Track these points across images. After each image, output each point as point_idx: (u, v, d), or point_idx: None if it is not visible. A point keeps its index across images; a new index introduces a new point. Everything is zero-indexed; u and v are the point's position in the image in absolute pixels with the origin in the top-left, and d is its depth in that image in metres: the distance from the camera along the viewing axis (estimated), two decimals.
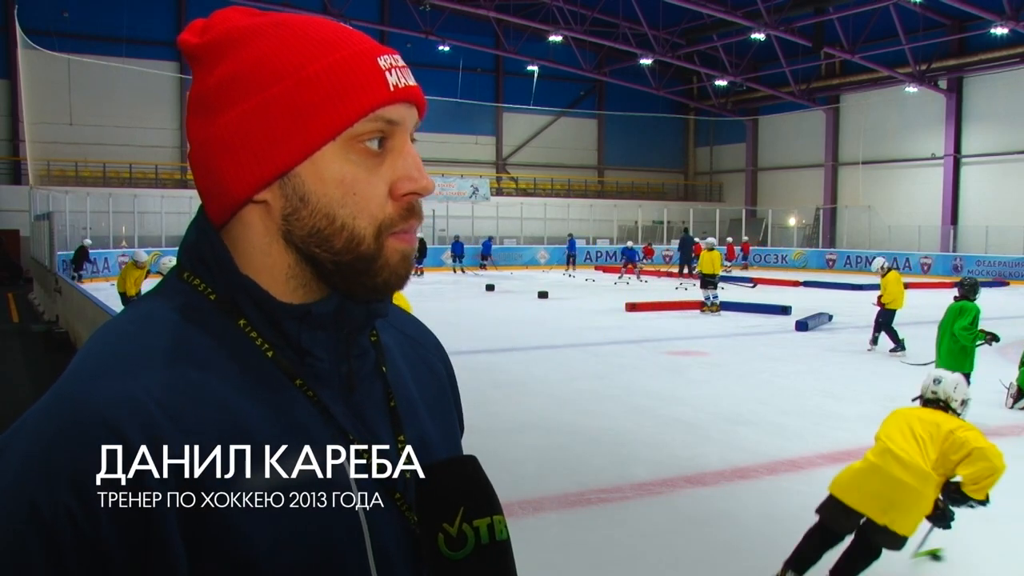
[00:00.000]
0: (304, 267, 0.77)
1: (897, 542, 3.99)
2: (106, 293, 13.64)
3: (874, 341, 11.76)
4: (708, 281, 16.23)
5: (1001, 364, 9.65)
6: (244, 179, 0.75)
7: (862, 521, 4.03)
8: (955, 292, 8.02)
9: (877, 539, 4.00)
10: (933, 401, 4.21)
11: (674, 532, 4.92)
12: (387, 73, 0.76)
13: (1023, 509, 5.41)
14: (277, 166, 0.74)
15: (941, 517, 4.08)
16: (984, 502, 4.07)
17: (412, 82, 0.78)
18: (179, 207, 26.11)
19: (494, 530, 0.78)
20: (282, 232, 0.76)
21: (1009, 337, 10.80)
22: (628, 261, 25.88)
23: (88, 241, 22.82)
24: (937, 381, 4.25)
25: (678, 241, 29.15)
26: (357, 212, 0.75)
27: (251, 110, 0.74)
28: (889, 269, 11.92)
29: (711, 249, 16.60)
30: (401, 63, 0.78)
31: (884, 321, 11.59)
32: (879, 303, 11.68)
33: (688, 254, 26.47)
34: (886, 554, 4.58)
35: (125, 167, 30.61)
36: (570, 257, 30.09)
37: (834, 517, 4.08)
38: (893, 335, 11.54)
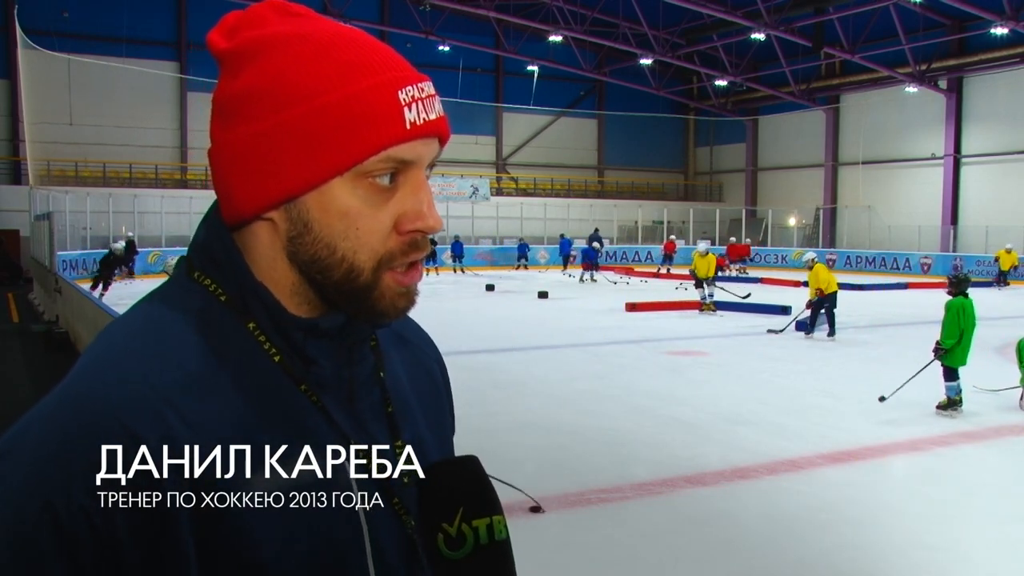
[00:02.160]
0: (307, 287, 0.78)
1: None
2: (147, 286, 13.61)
3: (811, 328, 12.99)
4: (700, 282, 16.56)
5: (1000, 363, 9.66)
6: (251, 196, 0.75)
7: None
8: (959, 288, 7.91)
9: None
10: None
11: (674, 532, 4.92)
12: (406, 109, 0.74)
13: (1023, 510, 5.42)
14: (283, 191, 0.74)
15: None
16: None
17: (435, 115, 0.76)
18: (179, 207, 26.12)
19: (493, 530, 0.79)
20: (287, 252, 0.76)
21: (1009, 337, 10.81)
22: (575, 258, 26.30)
23: (118, 246, 20.92)
24: None
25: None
26: (358, 246, 0.75)
27: (264, 131, 0.73)
28: (816, 262, 13.16)
29: (705, 254, 16.75)
30: (427, 93, 0.76)
31: (829, 307, 12.80)
32: (819, 294, 12.74)
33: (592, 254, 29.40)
34: (884, 549, 4.58)
35: (125, 167, 30.60)
36: (566, 258, 30.27)
37: None
38: (814, 319, 12.89)
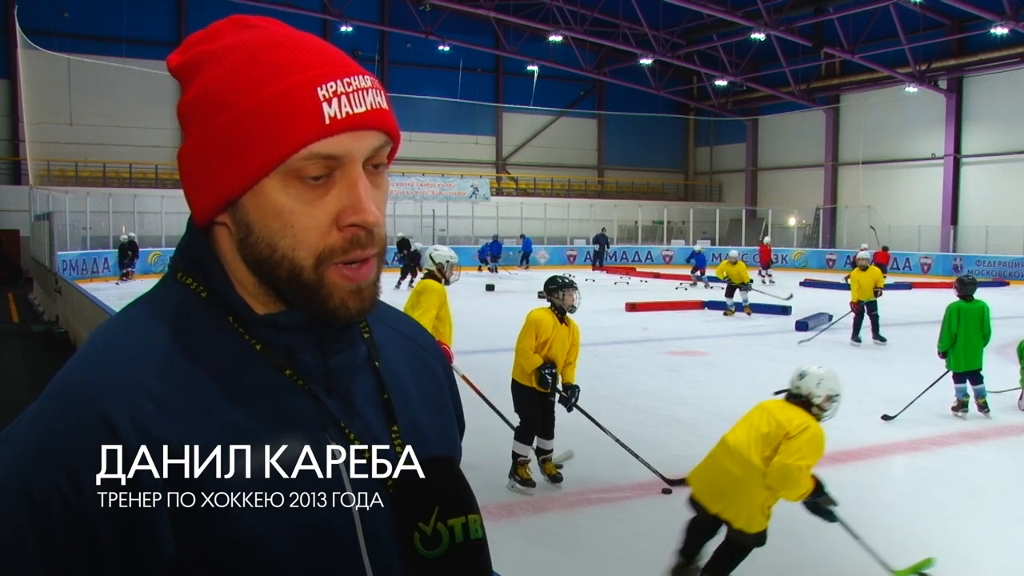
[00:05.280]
0: (265, 287, 0.80)
1: (746, 538, 3.90)
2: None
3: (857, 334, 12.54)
4: (733, 290, 15.93)
5: (1001, 363, 9.66)
6: (199, 203, 0.79)
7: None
8: (959, 291, 7.94)
9: (732, 535, 3.94)
10: (795, 396, 4.09)
11: (674, 532, 4.91)
12: (325, 104, 0.74)
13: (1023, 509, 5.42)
14: (221, 195, 0.77)
15: (815, 510, 4.04)
16: (823, 514, 3.95)
17: (363, 108, 0.75)
18: (179, 207, 26.04)
19: (469, 529, 0.80)
20: (240, 254, 0.79)
21: (1008, 337, 10.80)
22: (697, 266, 22.83)
23: (124, 238, 23.18)
24: (801, 376, 4.10)
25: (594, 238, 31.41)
26: (296, 244, 0.76)
27: (198, 139, 0.77)
28: (870, 263, 12.78)
29: (735, 262, 16.02)
30: (356, 86, 0.76)
31: (873, 311, 12.40)
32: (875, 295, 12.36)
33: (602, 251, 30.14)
34: (884, 549, 4.58)
35: (125, 167, 30.59)
36: (524, 257, 29.91)
37: (692, 507, 4.10)
38: (859, 325, 12.54)
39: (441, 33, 32.53)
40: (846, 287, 22.16)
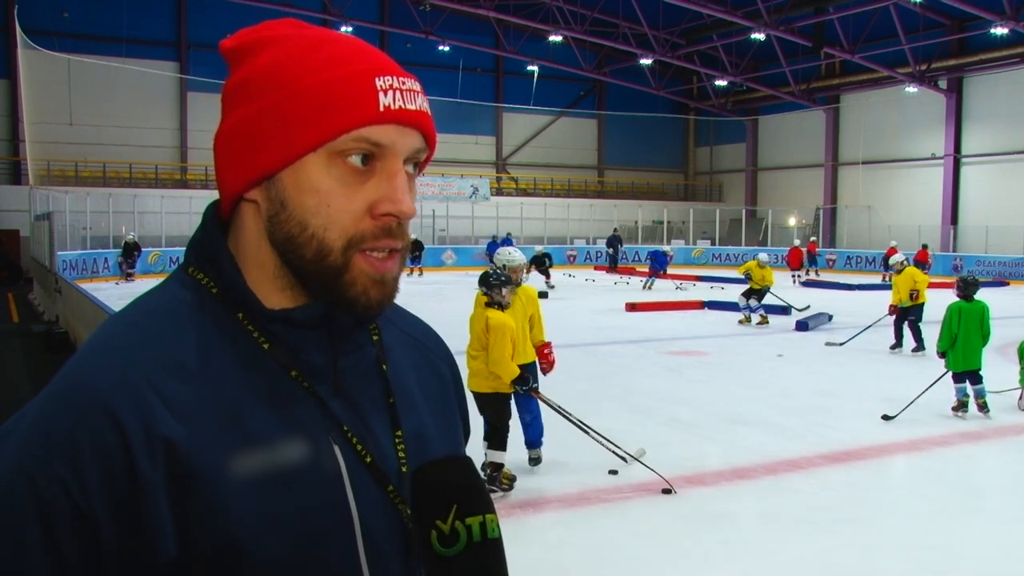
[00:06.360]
0: (287, 270, 0.80)
1: None
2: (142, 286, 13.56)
3: (900, 343, 11.63)
4: (754, 293, 14.89)
5: (1001, 363, 9.66)
6: (234, 176, 0.79)
7: None
8: (961, 291, 7.93)
9: None
10: None
11: (674, 532, 4.92)
12: (381, 94, 0.77)
13: (1023, 509, 5.42)
14: (260, 168, 0.77)
15: None
16: None
17: (414, 107, 0.79)
18: (179, 207, 26.09)
19: (486, 528, 0.80)
20: (267, 233, 0.80)
21: (1008, 337, 10.81)
22: (651, 267, 22.62)
23: (129, 238, 23.37)
24: None
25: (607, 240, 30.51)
26: (328, 224, 0.77)
27: (250, 114, 0.78)
28: (906, 264, 11.71)
29: (764, 266, 14.90)
30: (408, 86, 0.79)
31: (915, 319, 11.36)
32: (913, 300, 11.27)
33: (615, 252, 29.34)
34: (884, 549, 4.58)
35: (125, 167, 30.60)
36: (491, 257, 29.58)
37: None
38: (900, 332, 11.59)
39: (441, 33, 32.54)
40: (862, 288, 22.14)
